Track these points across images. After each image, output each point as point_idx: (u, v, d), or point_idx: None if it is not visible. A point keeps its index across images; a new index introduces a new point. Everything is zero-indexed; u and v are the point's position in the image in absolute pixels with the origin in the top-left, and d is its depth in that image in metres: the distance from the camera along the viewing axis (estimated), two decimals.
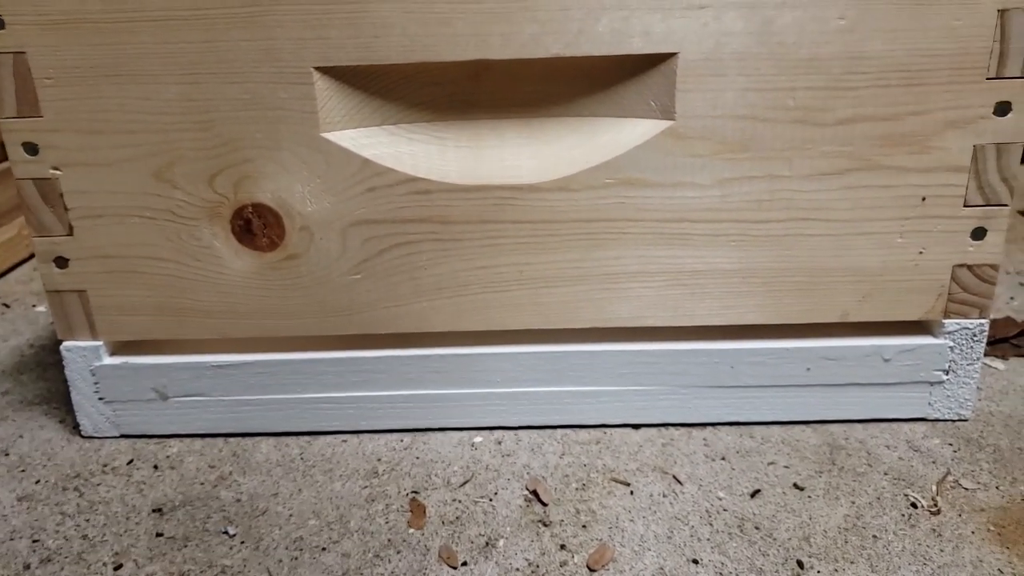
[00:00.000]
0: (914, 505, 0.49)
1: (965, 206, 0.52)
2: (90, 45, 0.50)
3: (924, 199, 0.52)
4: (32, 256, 1.01)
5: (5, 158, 1.41)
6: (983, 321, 0.54)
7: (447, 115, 0.53)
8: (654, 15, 0.48)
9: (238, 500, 0.52)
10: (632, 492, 0.52)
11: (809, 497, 0.50)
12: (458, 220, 0.53)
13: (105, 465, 0.57)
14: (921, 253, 0.53)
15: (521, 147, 0.53)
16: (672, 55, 0.49)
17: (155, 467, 0.56)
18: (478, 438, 0.58)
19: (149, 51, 0.49)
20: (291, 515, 0.51)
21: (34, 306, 0.86)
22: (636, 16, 0.48)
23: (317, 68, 0.49)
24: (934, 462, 0.53)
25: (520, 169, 0.52)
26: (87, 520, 0.51)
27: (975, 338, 0.54)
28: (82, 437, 0.60)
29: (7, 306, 0.86)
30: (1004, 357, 0.66)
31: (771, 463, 0.54)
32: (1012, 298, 0.77)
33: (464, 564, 0.46)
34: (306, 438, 0.59)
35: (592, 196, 0.52)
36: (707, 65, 0.49)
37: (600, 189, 0.52)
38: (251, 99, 0.50)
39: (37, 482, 0.55)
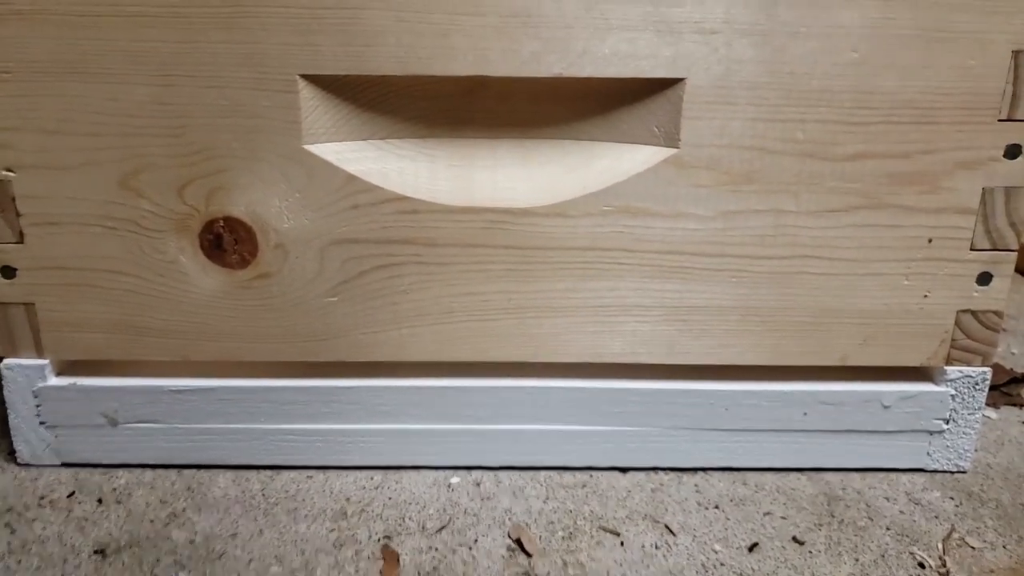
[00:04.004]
0: (921, 565, 0.46)
1: (972, 250, 0.50)
2: (54, 39, 0.46)
3: (931, 241, 0.50)
4: None
5: None
6: (986, 369, 0.52)
7: (439, 132, 0.50)
8: (663, 38, 0.46)
9: (191, 541, 0.48)
10: (622, 543, 0.48)
11: (810, 553, 0.47)
12: (445, 243, 0.49)
13: (43, 497, 0.51)
14: (926, 296, 0.51)
15: (516, 169, 0.50)
16: (679, 80, 0.46)
17: (99, 501, 0.51)
18: (455, 478, 0.54)
19: (119, 48, 0.46)
20: (251, 560, 0.46)
21: None
22: (644, 38, 0.46)
23: (303, 76, 0.46)
24: (936, 517, 0.51)
25: (514, 192, 0.49)
26: (19, 562, 0.46)
27: (977, 387, 0.53)
28: (18, 464, 0.54)
29: None
30: (995, 405, 0.64)
31: (767, 513, 0.51)
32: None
33: None
34: (268, 472, 0.54)
35: (589, 224, 0.49)
36: (715, 92, 0.47)
37: (597, 216, 0.49)
38: (229, 106, 0.47)
39: None
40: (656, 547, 0.48)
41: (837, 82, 0.47)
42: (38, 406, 0.52)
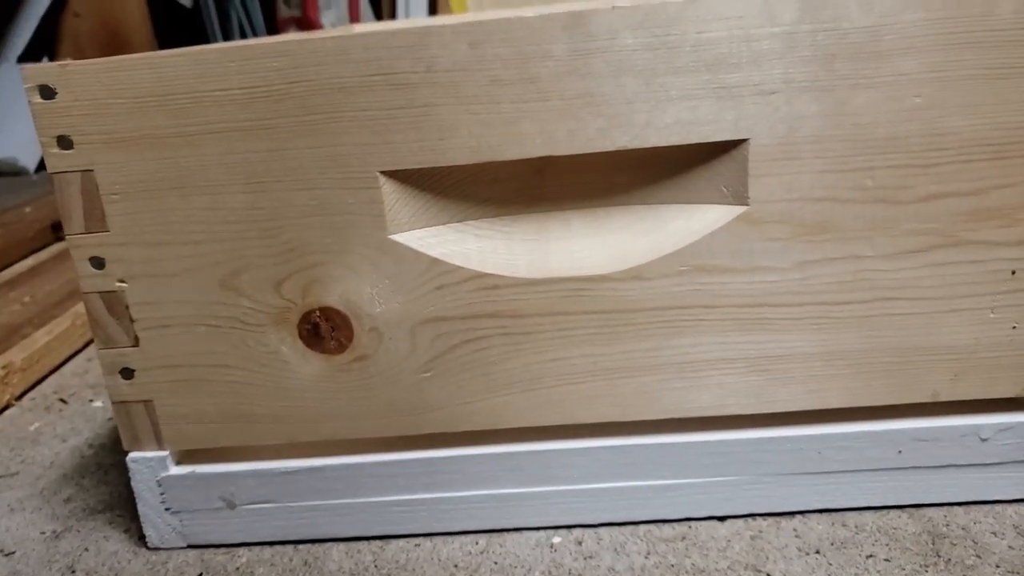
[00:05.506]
0: None
1: None
2: (155, 159, 0.50)
3: (1014, 272, 0.49)
4: (86, 346, 1.01)
5: (57, 240, 1.42)
6: None
7: (513, 209, 0.52)
8: (723, 103, 0.47)
9: None
10: None
11: None
12: (528, 313, 0.51)
13: None
14: (1015, 328, 0.50)
15: (590, 238, 0.52)
16: (743, 141, 0.48)
17: None
18: (556, 538, 0.55)
19: (213, 162, 0.49)
20: None
21: (91, 401, 0.85)
22: (704, 105, 0.47)
23: (383, 172, 0.49)
24: None
25: (590, 260, 0.51)
26: None
27: None
28: (148, 549, 0.58)
29: (64, 401, 0.86)
30: None
31: (870, 556, 0.51)
32: None
33: None
34: (378, 543, 0.57)
35: (666, 284, 0.50)
36: (780, 149, 0.47)
37: (674, 277, 0.50)
38: (318, 205, 0.50)
39: None
40: None
41: (904, 127, 0.47)
42: (162, 494, 0.56)
